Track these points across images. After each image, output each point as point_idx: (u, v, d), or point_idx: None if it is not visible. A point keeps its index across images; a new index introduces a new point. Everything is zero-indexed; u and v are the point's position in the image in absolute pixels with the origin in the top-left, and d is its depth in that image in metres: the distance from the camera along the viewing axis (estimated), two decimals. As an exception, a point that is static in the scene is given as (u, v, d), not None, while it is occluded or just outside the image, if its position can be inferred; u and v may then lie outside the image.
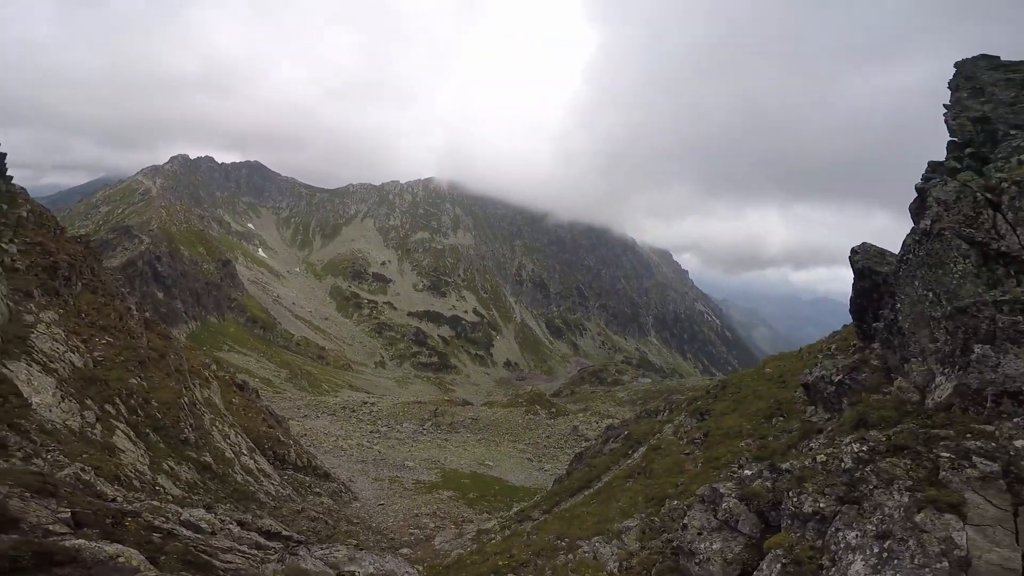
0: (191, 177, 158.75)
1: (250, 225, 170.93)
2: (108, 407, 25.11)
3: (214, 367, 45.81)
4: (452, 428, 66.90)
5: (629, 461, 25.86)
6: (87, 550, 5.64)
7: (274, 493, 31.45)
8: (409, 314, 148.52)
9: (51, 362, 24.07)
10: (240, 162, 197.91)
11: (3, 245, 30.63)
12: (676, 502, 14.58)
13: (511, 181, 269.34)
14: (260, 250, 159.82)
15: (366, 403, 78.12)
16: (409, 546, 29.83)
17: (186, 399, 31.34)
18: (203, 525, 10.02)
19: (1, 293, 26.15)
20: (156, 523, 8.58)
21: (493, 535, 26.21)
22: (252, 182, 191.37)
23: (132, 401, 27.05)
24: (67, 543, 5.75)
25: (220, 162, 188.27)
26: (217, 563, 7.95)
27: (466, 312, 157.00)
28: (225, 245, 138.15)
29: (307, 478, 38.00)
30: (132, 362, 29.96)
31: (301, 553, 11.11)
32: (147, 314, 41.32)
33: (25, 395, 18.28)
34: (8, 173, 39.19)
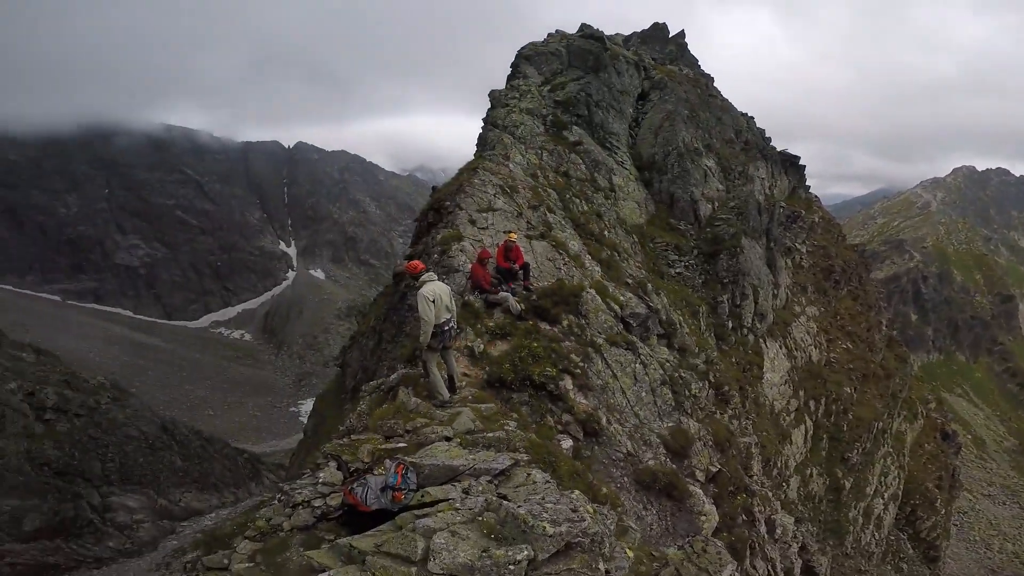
0: (978, 192, 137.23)
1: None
2: (811, 403, 27.62)
3: (931, 405, 41.03)
4: None
5: None
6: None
7: None
8: None
9: (795, 350, 28.30)
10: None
11: (797, 245, 37.64)
12: None
13: None
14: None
15: None
16: None
17: (880, 424, 30.15)
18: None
19: (785, 283, 32.60)
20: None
21: None
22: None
23: (833, 406, 28.53)
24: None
25: (1018, 175, 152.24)
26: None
27: None
28: (1012, 277, 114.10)
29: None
30: (857, 372, 31.11)
31: None
32: (893, 332, 41.15)
33: (763, 368, 22.77)
34: (807, 183, 46.73)
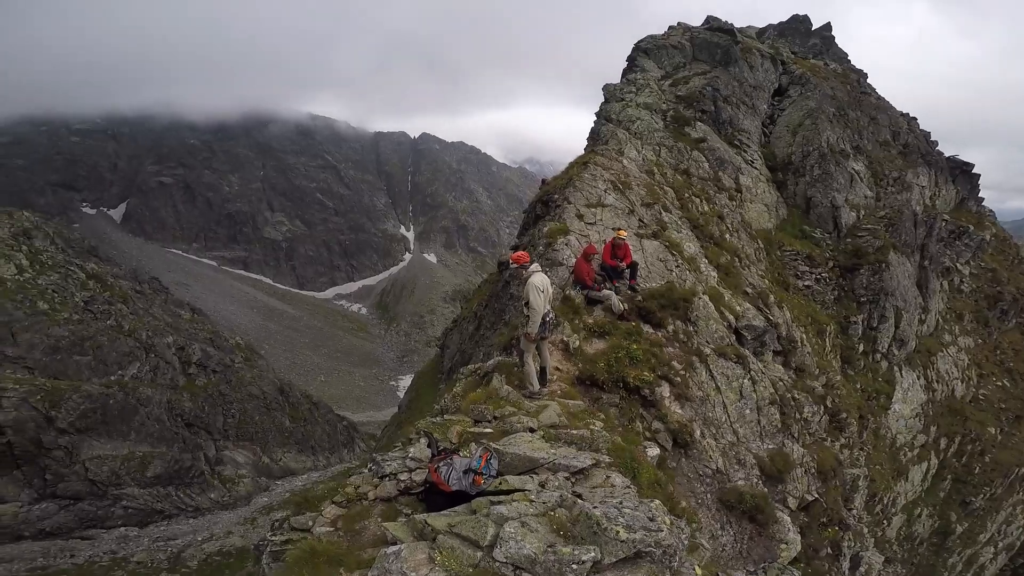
0: None
1: None
2: (942, 440, 24.46)
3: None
4: None
5: None
6: None
7: None
8: None
9: (936, 382, 24.87)
10: None
11: (959, 265, 32.59)
12: None
13: None
14: None
15: None
16: None
17: (1021, 471, 25.83)
18: None
19: (937, 308, 28.52)
20: None
21: None
22: None
23: (969, 446, 25.13)
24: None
25: None
26: None
27: None
28: None
29: None
30: (1010, 412, 26.89)
31: None
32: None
33: (892, 399, 20.12)
34: (980, 195, 40.04)
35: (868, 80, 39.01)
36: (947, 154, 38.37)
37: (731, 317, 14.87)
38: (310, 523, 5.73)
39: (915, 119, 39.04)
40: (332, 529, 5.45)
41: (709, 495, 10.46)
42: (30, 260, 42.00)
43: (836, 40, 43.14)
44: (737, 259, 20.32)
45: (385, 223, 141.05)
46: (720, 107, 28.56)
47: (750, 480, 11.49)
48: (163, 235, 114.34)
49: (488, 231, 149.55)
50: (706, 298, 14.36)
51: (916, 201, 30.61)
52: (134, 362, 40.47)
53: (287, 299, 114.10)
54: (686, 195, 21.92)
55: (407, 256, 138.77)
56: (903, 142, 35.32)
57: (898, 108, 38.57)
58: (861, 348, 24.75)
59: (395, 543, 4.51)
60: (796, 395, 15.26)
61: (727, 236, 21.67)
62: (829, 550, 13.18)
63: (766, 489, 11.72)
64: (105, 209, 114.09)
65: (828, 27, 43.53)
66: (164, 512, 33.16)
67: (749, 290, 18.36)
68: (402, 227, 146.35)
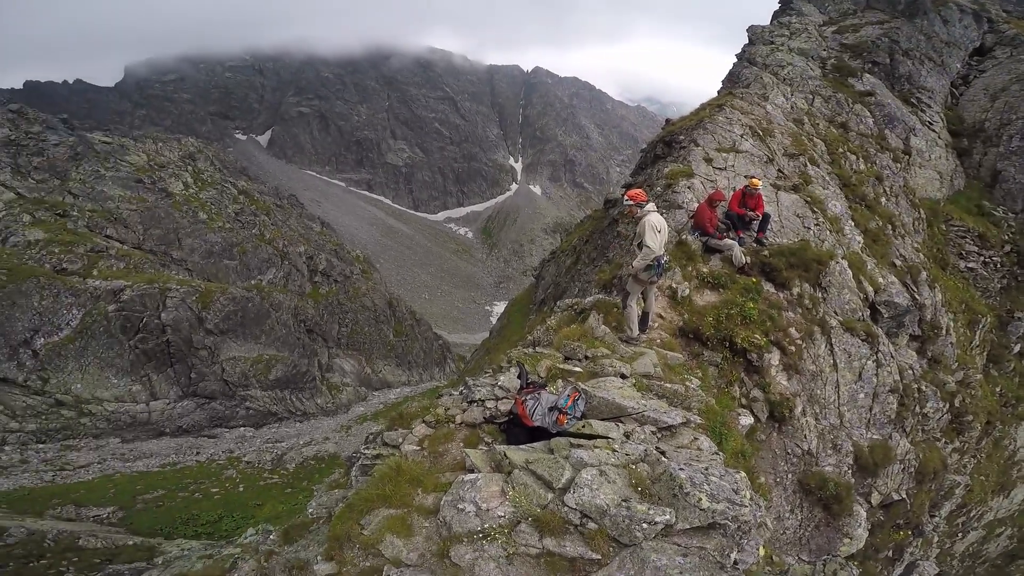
0: None
1: None
2: None
3: None
4: None
5: None
6: None
7: None
8: None
9: None
10: None
11: None
12: None
13: None
14: None
15: None
16: None
17: None
18: None
19: None
20: None
21: None
22: None
23: None
24: None
25: None
26: None
27: None
28: None
29: None
30: None
31: None
32: None
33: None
34: None
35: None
36: None
37: (870, 289, 13.20)
38: (400, 440, 6.06)
39: None
40: (419, 448, 5.74)
41: (790, 475, 9.84)
42: (194, 178, 48.15)
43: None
44: (891, 226, 17.85)
45: (496, 153, 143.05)
46: (898, 60, 25.05)
47: (840, 468, 10.62)
48: (301, 158, 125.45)
49: (597, 168, 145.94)
50: (844, 263, 12.79)
51: None
52: (271, 268, 45.61)
53: (403, 219, 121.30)
54: (840, 150, 19.39)
55: (513, 186, 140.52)
56: None
57: None
58: (1017, 349, 21.17)
59: (473, 470, 4.66)
60: (923, 387, 13.49)
61: (882, 200, 19.00)
62: (890, 553, 12.07)
63: (853, 480, 10.79)
64: (254, 135, 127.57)
65: (1065, -18, 35.06)
66: (277, 415, 35.98)
67: (898, 262, 16.16)
68: (511, 158, 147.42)
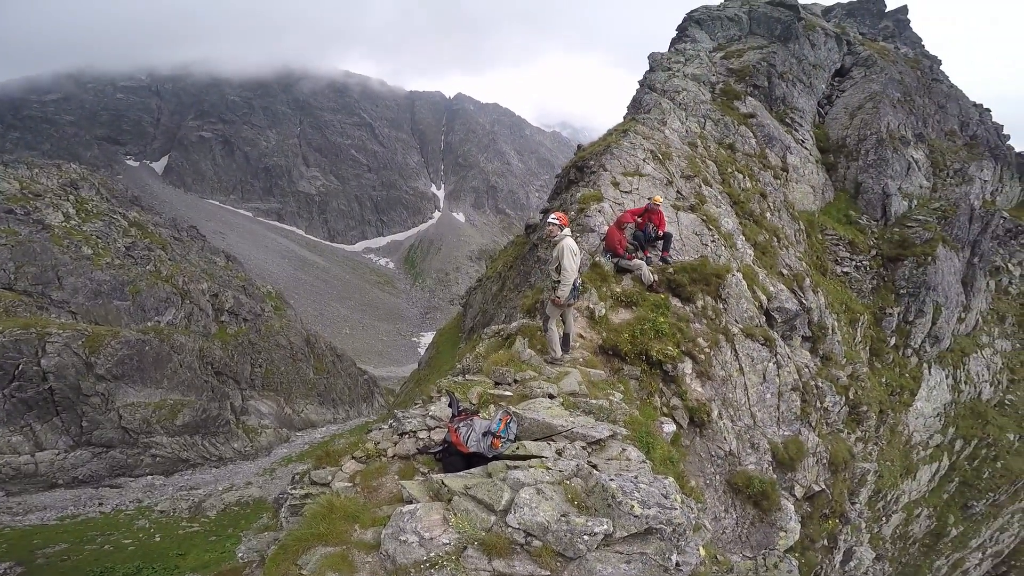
0: None
1: None
2: (958, 442, 25.81)
3: None
4: None
5: None
6: None
7: None
8: None
9: (963, 383, 25.54)
10: None
11: (1010, 265, 31.17)
12: None
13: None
14: None
15: None
16: None
17: None
18: None
19: (980, 308, 27.59)
20: None
21: None
22: None
23: (984, 451, 26.15)
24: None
25: None
26: None
27: None
28: None
29: None
30: None
31: None
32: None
33: (916, 396, 19.53)
34: None
35: (943, 68, 36.99)
36: (1021, 150, 36.39)
37: (763, 297, 14.50)
38: (329, 478, 5.85)
39: (988, 110, 37.21)
40: (350, 484, 5.57)
41: (718, 476, 10.44)
42: (76, 208, 43.61)
43: (911, 24, 41.16)
44: (776, 239, 19.75)
45: (417, 181, 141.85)
46: (774, 83, 27.65)
47: (761, 465, 11.43)
48: (202, 187, 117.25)
49: (517, 193, 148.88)
50: (739, 275, 14.00)
51: (976, 195, 29.10)
52: (170, 308, 41.94)
53: (318, 250, 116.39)
54: (729, 170, 21.25)
55: (436, 214, 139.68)
56: (971, 133, 33.62)
57: (975, 100, 36.75)
58: (893, 342, 24.03)
59: (411, 501, 4.59)
60: (819, 383, 14.96)
61: (767, 215, 21.02)
62: (826, 542, 13.17)
63: (775, 476, 11.65)
64: (148, 162, 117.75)
65: (904, 10, 41.59)
66: (189, 461, 33.56)
67: (785, 271, 17.87)
68: (433, 185, 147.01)
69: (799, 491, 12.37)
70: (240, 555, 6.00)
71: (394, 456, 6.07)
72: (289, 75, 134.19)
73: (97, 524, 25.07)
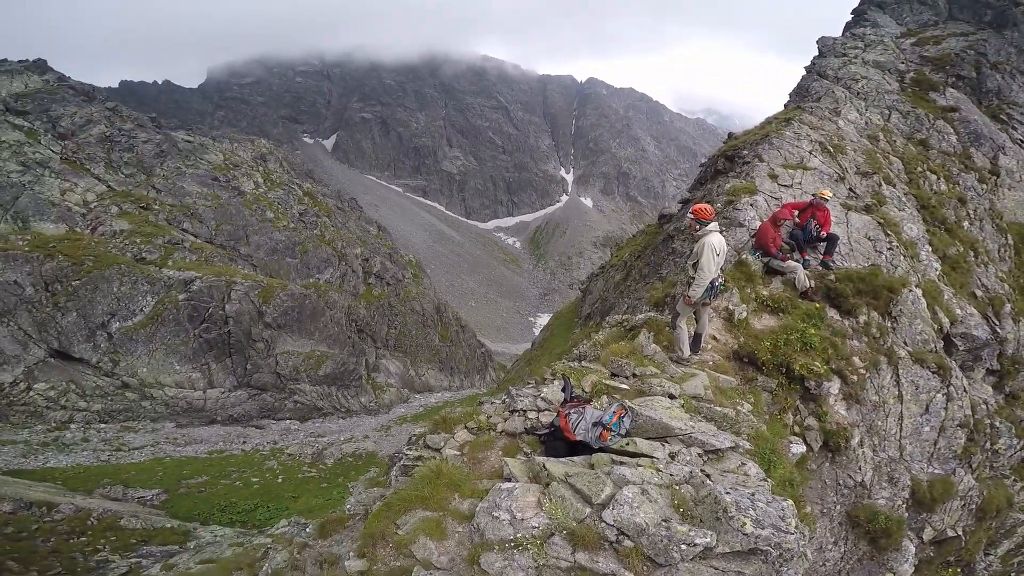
0: None
1: None
2: None
3: None
4: None
5: None
6: None
7: None
8: None
9: None
10: None
11: None
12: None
13: None
14: None
15: None
16: None
17: None
18: None
19: None
20: None
21: None
22: None
23: None
24: None
25: None
26: None
27: None
28: None
29: None
30: None
31: None
32: None
33: None
34: None
35: None
36: None
37: (945, 320, 12.31)
38: (442, 444, 6.12)
39: None
40: (459, 453, 5.78)
41: (839, 507, 9.28)
42: (264, 178, 50.87)
43: None
44: (973, 253, 16.65)
45: (547, 164, 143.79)
46: (985, 74, 23.60)
47: (893, 502, 9.95)
48: (362, 163, 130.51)
49: (652, 181, 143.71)
50: (918, 292, 11.97)
51: None
52: (329, 267, 47.39)
53: (455, 226, 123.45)
54: (919, 169, 18.29)
55: (564, 198, 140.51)
56: None
57: None
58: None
59: (511, 479, 4.65)
60: (997, 423, 12.46)
61: (965, 224, 17.77)
62: None
63: (906, 515, 10.05)
64: (320, 139, 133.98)
65: None
66: (322, 410, 37.01)
67: (979, 292, 15.03)
68: (562, 169, 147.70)
69: (929, 534, 10.63)
70: (348, 507, 6.58)
71: (502, 432, 6.20)
72: (433, 59, 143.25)
73: (237, 460, 27.68)
